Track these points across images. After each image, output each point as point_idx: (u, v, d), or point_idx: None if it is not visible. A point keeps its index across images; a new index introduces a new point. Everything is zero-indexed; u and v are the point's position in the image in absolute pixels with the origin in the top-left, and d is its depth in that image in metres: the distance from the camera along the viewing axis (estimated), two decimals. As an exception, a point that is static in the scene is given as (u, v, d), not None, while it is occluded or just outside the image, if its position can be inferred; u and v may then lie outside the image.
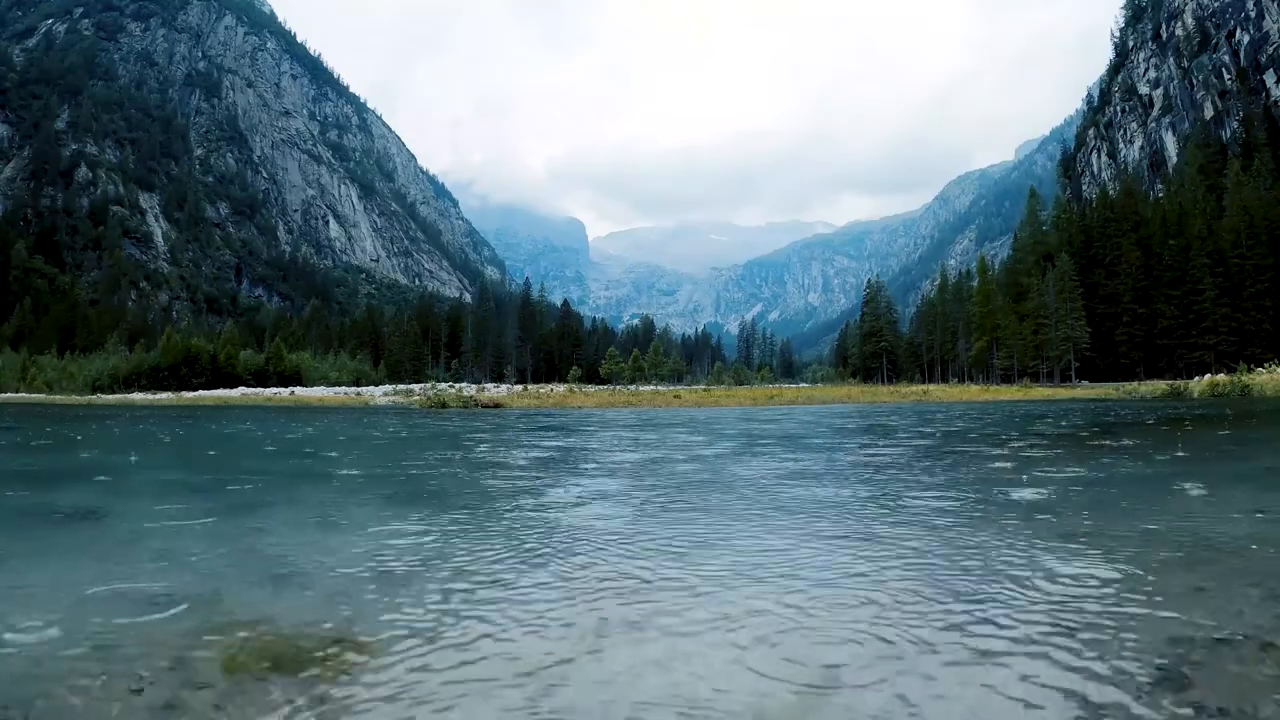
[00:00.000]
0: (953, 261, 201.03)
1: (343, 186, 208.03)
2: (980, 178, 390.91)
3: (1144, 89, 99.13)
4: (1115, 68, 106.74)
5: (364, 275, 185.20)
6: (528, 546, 2.63)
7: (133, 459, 7.09)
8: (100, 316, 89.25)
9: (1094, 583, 2.04)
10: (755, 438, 8.83)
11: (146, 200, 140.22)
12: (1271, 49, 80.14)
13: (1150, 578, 2.07)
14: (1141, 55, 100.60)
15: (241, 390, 44.35)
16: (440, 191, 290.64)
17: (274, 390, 43.24)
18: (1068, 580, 2.06)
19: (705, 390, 40.12)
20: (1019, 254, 68.73)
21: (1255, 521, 2.90)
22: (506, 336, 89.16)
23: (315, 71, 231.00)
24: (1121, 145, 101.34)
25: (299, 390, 43.03)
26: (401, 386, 45.24)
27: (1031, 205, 68.93)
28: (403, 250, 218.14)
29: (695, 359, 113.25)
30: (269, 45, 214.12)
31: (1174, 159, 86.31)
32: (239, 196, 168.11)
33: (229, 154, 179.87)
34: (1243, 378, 21.68)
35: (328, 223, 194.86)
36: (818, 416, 14.73)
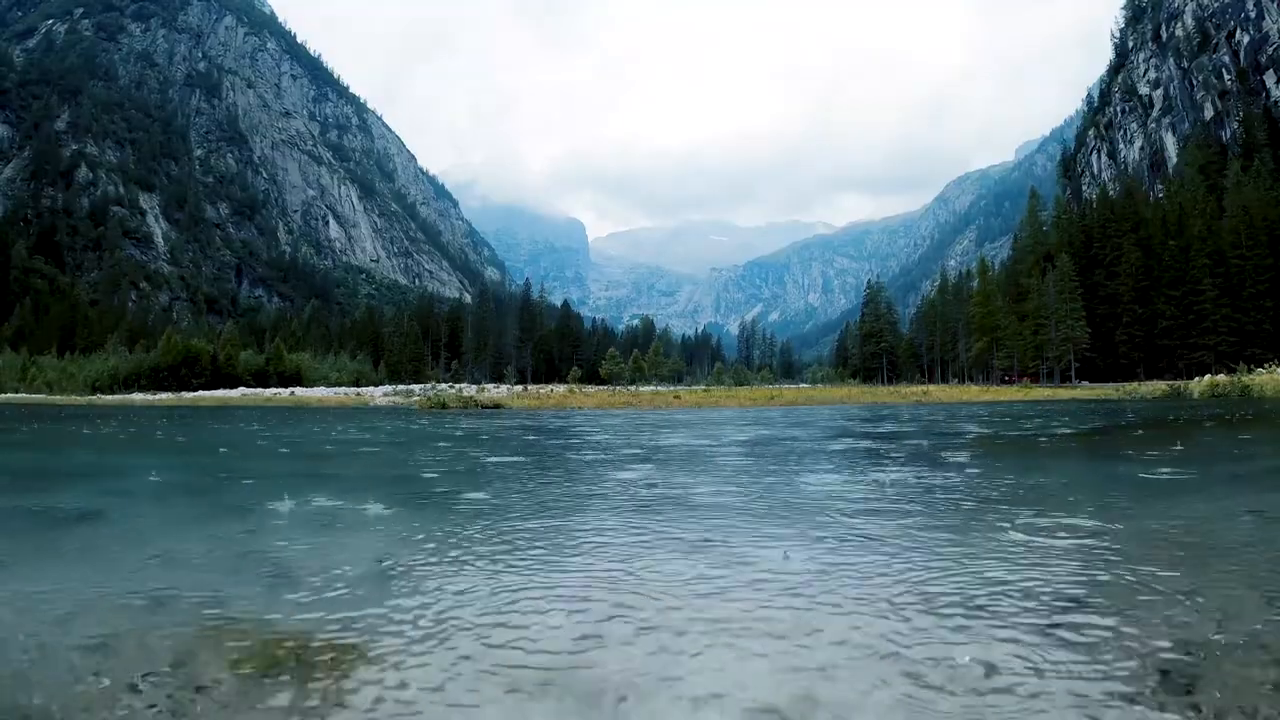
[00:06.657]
0: (953, 262, 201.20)
1: (343, 187, 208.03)
2: (980, 178, 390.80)
3: (1144, 89, 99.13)
4: (1115, 68, 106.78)
5: (364, 276, 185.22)
6: (526, 547, 2.63)
7: (142, 463, 7.08)
8: (100, 317, 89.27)
9: (1095, 583, 2.05)
10: (756, 438, 8.82)
11: (146, 200, 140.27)
12: (1271, 49, 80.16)
13: (1152, 578, 2.07)
14: (1141, 56, 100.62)
15: (241, 391, 44.38)
16: (440, 192, 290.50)
17: (274, 391, 43.26)
18: (1068, 581, 2.06)
19: (705, 391, 40.05)
20: (1019, 254, 68.78)
21: (1256, 522, 2.90)
22: (506, 337, 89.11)
23: (315, 72, 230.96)
24: (1121, 145, 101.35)
25: (299, 391, 43.03)
26: (401, 387, 45.25)
27: (1031, 205, 68.97)
28: (403, 251, 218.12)
29: (695, 359, 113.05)
30: (269, 46, 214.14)
31: (1174, 159, 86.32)
32: (239, 197, 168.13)
33: (229, 154, 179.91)
34: (1243, 378, 21.55)
35: (328, 223, 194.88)
36: (818, 417, 14.74)
